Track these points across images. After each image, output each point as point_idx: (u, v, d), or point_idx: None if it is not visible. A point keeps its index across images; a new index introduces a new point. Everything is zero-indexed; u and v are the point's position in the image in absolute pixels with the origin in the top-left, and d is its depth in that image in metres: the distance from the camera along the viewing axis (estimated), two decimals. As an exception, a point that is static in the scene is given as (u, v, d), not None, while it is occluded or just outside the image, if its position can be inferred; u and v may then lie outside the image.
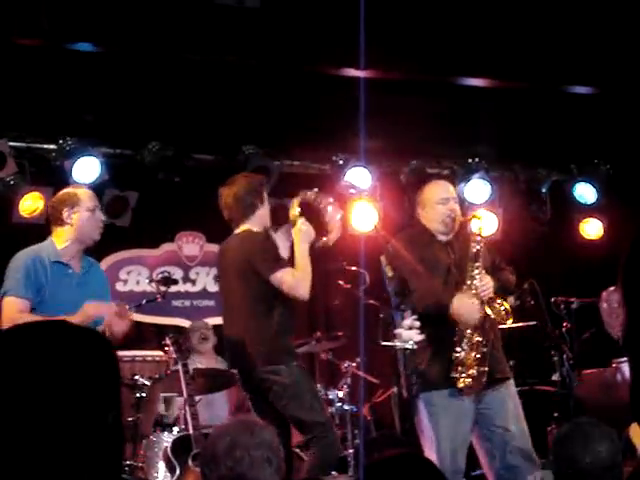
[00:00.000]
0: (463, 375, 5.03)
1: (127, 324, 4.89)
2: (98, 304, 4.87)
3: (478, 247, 5.11)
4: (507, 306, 5.08)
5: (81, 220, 5.02)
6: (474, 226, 5.24)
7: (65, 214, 5.01)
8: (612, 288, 6.66)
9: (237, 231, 5.40)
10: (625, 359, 6.07)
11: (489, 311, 5.05)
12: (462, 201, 5.44)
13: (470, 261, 5.11)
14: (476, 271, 5.09)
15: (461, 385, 5.04)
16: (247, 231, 5.35)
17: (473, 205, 7.92)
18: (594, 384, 6.29)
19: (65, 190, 5.25)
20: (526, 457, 5.11)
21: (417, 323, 4.96)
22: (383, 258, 5.02)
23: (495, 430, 5.15)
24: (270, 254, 5.24)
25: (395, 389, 6.78)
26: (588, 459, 3.25)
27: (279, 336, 5.15)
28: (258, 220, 5.36)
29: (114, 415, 1.48)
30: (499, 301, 5.07)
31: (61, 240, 5.02)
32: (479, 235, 5.16)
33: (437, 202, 5.29)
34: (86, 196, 5.09)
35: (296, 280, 5.12)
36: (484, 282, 5.08)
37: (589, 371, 6.44)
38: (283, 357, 5.13)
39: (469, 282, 5.08)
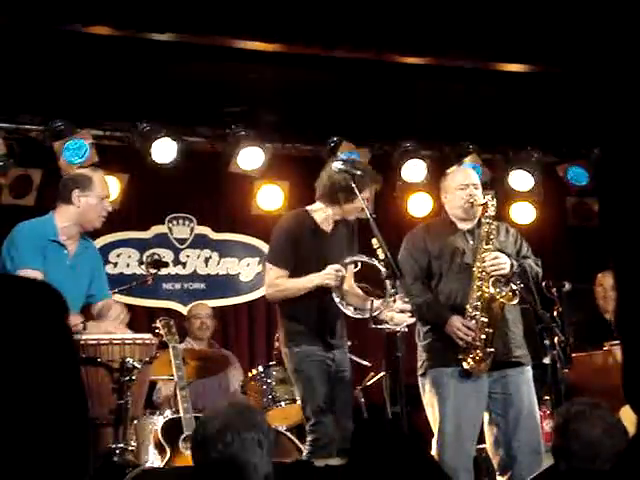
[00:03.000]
0: (470, 356, 5.05)
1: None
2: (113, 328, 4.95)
3: (487, 229, 5.20)
4: (514, 287, 5.10)
5: (88, 205, 5.01)
6: (485, 209, 5.30)
7: (74, 194, 5.00)
8: (607, 271, 6.65)
9: None
10: (617, 342, 6.08)
11: (492, 290, 5.07)
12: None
13: (480, 243, 5.17)
14: (486, 253, 5.13)
15: (467, 366, 5.06)
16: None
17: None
18: (585, 367, 6.28)
19: (82, 170, 5.26)
20: (531, 451, 5.10)
21: (408, 306, 4.96)
22: (375, 241, 5.01)
23: (504, 417, 5.16)
24: (273, 242, 5.29)
25: (385, 372, 6.78)
26: (606, 441, 3.25)
27: (290, 320, 5.21)
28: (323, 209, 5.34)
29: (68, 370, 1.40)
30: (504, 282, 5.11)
31: (63, 218, 5.01)
32: (490, 217, 5.22)
33: (456, 188, 5.38)
34: (100, 182, 5.09)
35: (274, 284, 5.19)
36: (494, 261, 5.10)
37: (580, 354, 6.43)
38: (288, 341, 5.18)
39: (478, 264, 5.12)
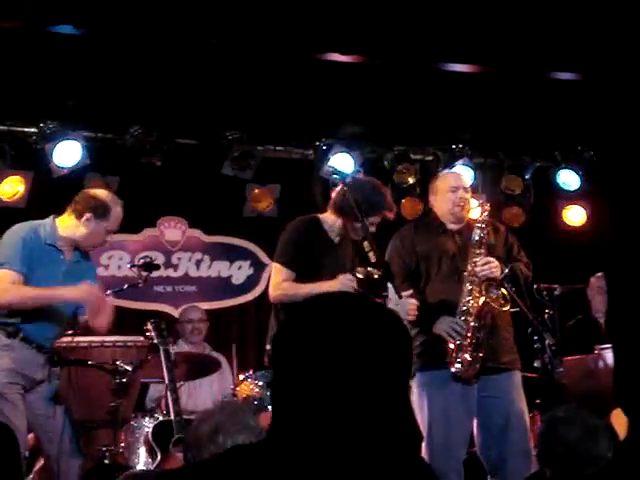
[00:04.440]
0: (457, 359, 5.05)
1: (107, 318, 4.94)
2: (92, 287, 4.88)
3: (481, 233, 5.19)
4: (505, 292, 5.12)
5: (93, 231, 4.99)
6: (477, 213, 5.31)
7: (86, 216, 4.96)
8: (599, 274, 6.66)
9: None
10: (607, 346, 6.09)
11: (483, 295, 5.08)
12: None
13: (472, 247, 5.17)
14: (477, 258, 5.13)
15: (454, 370, 5.06)
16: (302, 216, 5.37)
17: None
18: (576, 371, 6.29)
19: (105, 195, 5.14)
20: (521, 453, 5.09)
21: (398, 308, 4.96)
22: (366, 243, 5.01)
23: (494, 420, 5.15)
24: (282, 243, 5.24)
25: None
26: (588, 445, 3.26)
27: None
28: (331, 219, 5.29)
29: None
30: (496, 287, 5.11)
31: (66, 229, 4.99)
32: (483, 222, 5.21)
33: (447, 190, 5.37)
34: (115, 217, 5.05)
35: (281, 287, 5.11)
36: (485, 266, 5.10)
37: (571, 358, 6.45)
38: None
39: (469, 268, 5.13)
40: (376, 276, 5.00)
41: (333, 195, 5.30)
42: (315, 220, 5.29)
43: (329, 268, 5.15)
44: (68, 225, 5.00)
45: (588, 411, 3.48)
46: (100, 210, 4.98)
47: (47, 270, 4.91)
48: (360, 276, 5.08)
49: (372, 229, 5.10)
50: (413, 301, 4.95)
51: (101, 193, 5.18)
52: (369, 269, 5.08)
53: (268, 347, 5.32)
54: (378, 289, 5.00)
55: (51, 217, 5.05)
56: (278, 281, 5.13)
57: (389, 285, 4.93)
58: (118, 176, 7.53)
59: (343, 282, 5.00)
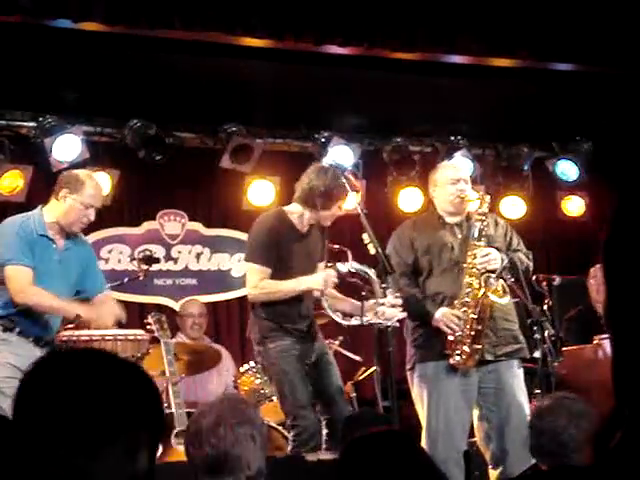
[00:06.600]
0: (456, 351, 5.07)
1: (112, 318, 4.99)
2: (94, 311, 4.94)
3: (481, 225, 5.20)
4: (504, 283, 5.13)
5: (70, 207, 5.00)
6: (477, 205, 5.32)
7: (62, 193, 5.00)
8: (599, 265, 6.65)
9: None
10: (606, 336, 6.11)
11: (483, 287, 5.09)
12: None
13: (472, 239, 5.18)
14: (477, 250, 5.14)
15: (453, 362, 5.08)
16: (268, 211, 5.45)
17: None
18: (575, 361, 6.31)
19: (79, 171, 5.24)
20: (522, 444, 5.09)
21: (399, 301, 4.99)
22: (366, 236, 5.03)
23: (494, 411, 5.17)
24: (253, 242, 5.25)
25: (376, 367, 6.80)
26: (572, 431, 3.27)
27: (267, 320, 5.18)
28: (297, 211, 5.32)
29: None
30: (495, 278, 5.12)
31: (50, 214, 5.03)
32: (483, 214, 5.22)
33: (447, 182, 5.37)
34: (90, 190, 5.05)
35: (259, 286, 5.14)
36: (485, 258, 5.12)
37: (571, 348, 6.46)
38: (262, 338, 5.18)
39: (469, 260, 5.14)
40: (355, 270, 5.06)
41: (297, 184, 5.31)
42: (281, 213, 5.30)
43: (298, 257, 5.19)
44: (52, 209, 5.05)
45: (572, 398, 3.48)
46: (74, 184, 5.02)
47: (42, 262, 4.93)
48: (343, 270, 5.11)
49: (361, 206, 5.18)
50: (396, 301, 4.97)
51: (76, 171, 5.26)
52: (351, 263, 5.12)
53: (255, 348, 5.33)
54: (362, 282, 5.05)
55: (39, 207, 5.07)
56: (255, 280, 5.15)
57: (389, 278, 4.97)
58: (118, 170, 7.53)
59: (324, 278, 5.04)
